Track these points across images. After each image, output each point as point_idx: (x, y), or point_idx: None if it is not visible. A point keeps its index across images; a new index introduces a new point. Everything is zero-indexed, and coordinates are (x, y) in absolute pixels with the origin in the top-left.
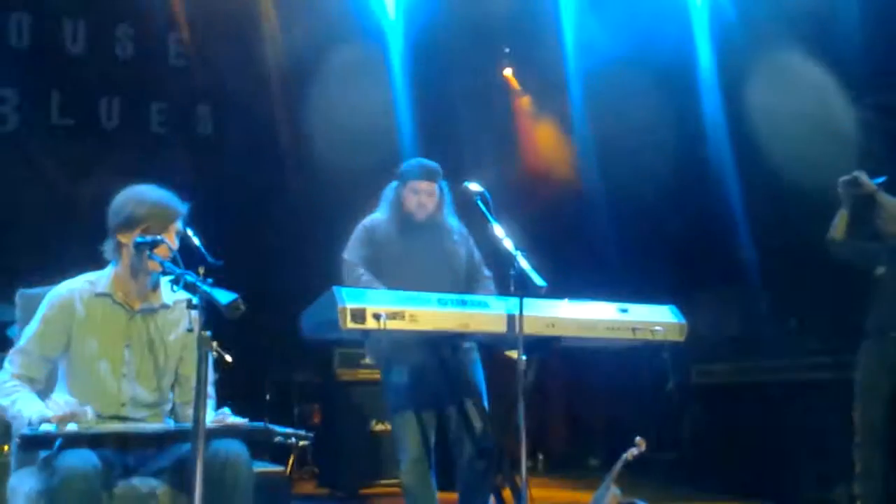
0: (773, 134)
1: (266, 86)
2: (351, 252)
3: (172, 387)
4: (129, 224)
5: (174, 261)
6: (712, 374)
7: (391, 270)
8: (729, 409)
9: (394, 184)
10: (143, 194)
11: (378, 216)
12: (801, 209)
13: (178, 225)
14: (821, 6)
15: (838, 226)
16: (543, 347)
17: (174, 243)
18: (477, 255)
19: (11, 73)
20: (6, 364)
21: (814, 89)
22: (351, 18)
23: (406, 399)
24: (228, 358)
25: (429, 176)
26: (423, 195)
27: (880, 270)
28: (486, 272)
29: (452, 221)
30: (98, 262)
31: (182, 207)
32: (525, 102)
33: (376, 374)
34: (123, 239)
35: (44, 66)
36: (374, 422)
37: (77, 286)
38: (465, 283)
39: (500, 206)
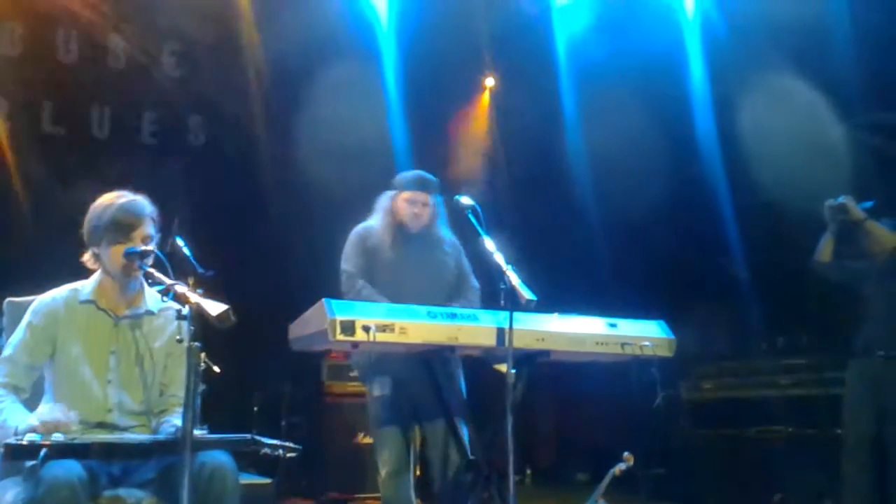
0: (764, 151)
1: (258, 97)
2: (349, 262)
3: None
4: (95, 234)
5: (162, 269)
6: (701, 389)
7: (381, 279)
8: (717, 424)
9: (389, 193)
10: (106, 203)
11: (371, 224)
12: (792, 227)
13: (146, 230)
14: (813, 24)
15: (824, 249)
16: (532, 361)
17: (150, 248)
18: (466, 266)
19: (3, 81)
20: None
21: (805, 107)
22: (344, 30)
23: (389, 412)
24: (216, 368)
25: (425, 187)
26: (419, 206)
27: (868, 290)
28: (474, 283)
29: (445, 233)
30: (87, 272)
31: (147, 211)
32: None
33: (363, 386)
34: (96, 249)
35: (36, 75)
36: (361, 434)
37: (61, 294)
38: (451, 296)
39: (491, 219)
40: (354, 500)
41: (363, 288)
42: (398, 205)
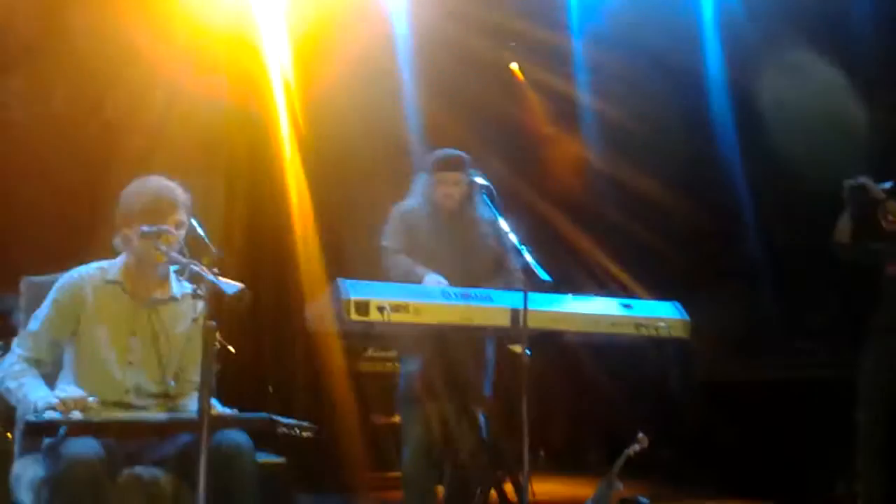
0: (782, 131)
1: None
2: (390, 239)
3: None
4: (129, 217)
5: (180, 251)
6: (715, 371)
7: (418, 259)
8: (731, 406)
9: (423, 174)
10: (142, 187)
11: (410, 203)
12: (810, 207)
13: (179, 216)
14: (833, 2)
15: (843, 230)
16: (547, 342)
17: (176, 233)
18: (509, 243)
19: (19, 61)
20: (14, 347)
21: (824, 86)
22: (356, 7)
23: (418, 391)
24: (231, 348)
25: (453, 167)
26: (449, 186)
27: (889, 270)
28: (514, 265)
29: (483, 211)
30: (103, 253)
31: (182, 198)
32: (531, 96)
33: (379, 367)
34: (127, 232)
35: (52, 55)
36: (376, 414)
37: (88, 273)
38: (493, 273)
39: (507, 200)
40: (370, 479)
41: (402, 260)
42: (430, 186)
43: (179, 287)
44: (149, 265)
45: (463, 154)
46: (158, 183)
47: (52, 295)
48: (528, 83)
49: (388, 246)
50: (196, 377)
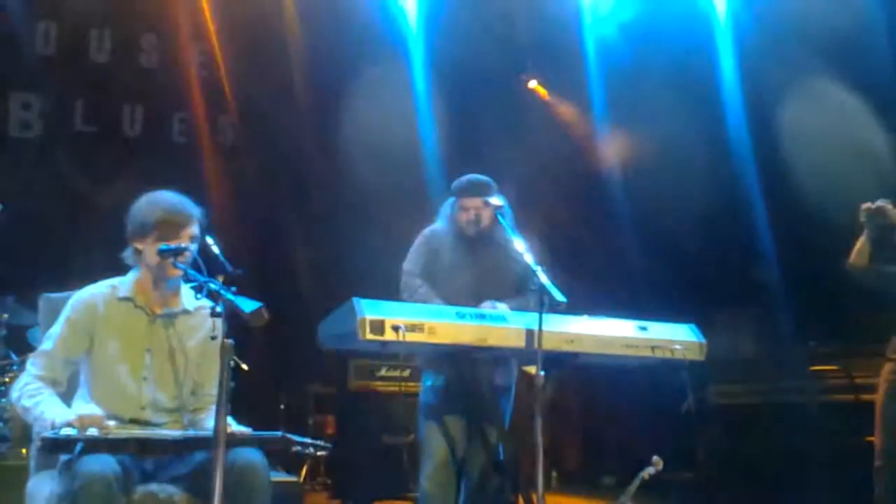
0: (797, 156)
1: (288, 98)
2: (410, 262)
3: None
4: (142, 231)
5: (197, 268)
6: (730, 394)
7: (441, 281)
8: (746, 429)
9: (451, 199)
10: (155, 201)
11: (437, 226)
12: (824, 231)
13: (193, 230)
14: (848, 28)
15: (860, 252)
16: (561, 363)
17: (192, 249)
18: (526, 264)
19: (37, 80)
20: (29, 366)
21: (841, 109)
22: (374, 31)
23: (438, 406)
24: (244, 366)
25: (476, 192)
26: (471, 212)
27: None
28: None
29: (510, 235)
30: (119, 268)
31: (195, 212)
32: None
33: (391, 387)
34: (139, 245)
35: (69, 74)
36: (387, 434)
37: (100, 290)
38: (512, 297)
39: (522, 220)
40: (380, 499)
41: (420, 286)
42: (455, 211)
43: (191, 300)
44: (161, 280)
45: (486, 179)
46: (171, 196)
47: (64, 313)
48: (546, 102)
49: (406, 269)
50: (215, 390)
